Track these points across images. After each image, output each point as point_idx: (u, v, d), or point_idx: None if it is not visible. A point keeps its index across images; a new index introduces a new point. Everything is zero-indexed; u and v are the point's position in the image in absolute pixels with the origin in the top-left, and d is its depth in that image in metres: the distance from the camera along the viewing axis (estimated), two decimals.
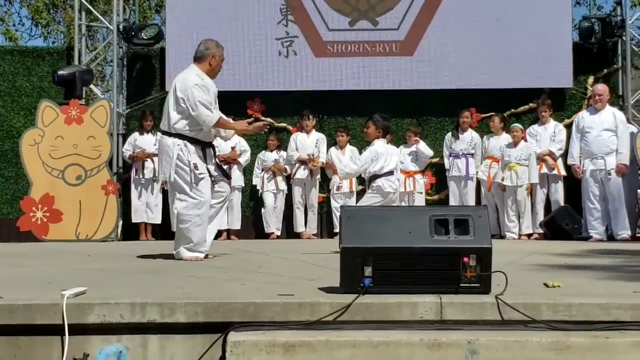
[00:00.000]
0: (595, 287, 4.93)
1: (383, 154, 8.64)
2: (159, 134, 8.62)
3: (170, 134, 7.35)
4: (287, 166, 12.37)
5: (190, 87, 7.30)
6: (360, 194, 12.34)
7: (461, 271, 4.33)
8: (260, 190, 12.34)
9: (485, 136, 12.27)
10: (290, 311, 4.17)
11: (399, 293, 4.28)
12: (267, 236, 12.25)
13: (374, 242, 4.37)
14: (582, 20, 13.04)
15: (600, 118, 10.96)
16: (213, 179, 7.50)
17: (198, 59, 7.57)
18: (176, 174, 7.29)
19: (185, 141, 7.30)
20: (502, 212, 11.79)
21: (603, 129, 10.91)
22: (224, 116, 7.64)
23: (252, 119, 11.91)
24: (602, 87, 11.24)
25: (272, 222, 12.30)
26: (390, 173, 8.67)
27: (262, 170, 12.38)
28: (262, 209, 12.33)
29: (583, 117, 11.15)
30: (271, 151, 12.44)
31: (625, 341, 3.92)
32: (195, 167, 7.29)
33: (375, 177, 8.62)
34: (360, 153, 12.20)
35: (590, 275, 5.75)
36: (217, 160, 7.82)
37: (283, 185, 12.39)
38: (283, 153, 12.44)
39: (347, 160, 12.12)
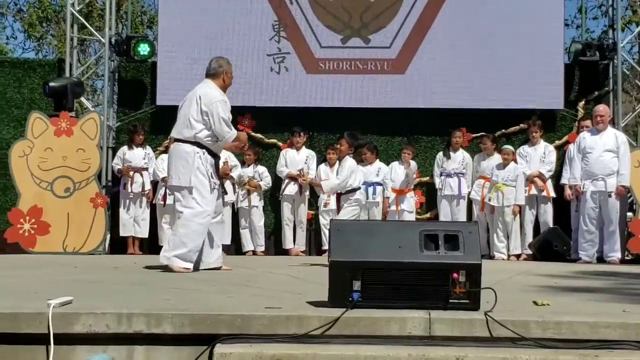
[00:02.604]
0: (585, 306, 4.92)
1: (354, 168, 9.10)
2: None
3: (190, 142, 7.65)
4: (261, 182, 12.30)
5: (215, 102, 7.68)
6: None
7: (450, 287, 4.31)
8: (236, 206, 12.28)
9: (476, 156, 12.27)
10: (277, 324, 4.14)
11: (387, 308, 4.26)
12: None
13: (363, 256, 4.36)
14: (574, 42, 13.07)
15: (602, 139, 10.94)
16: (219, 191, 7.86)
17: (212, 75, 7.96)
18: (195, 181, 7.58)
19: (204, 150, 7.66)
20: (491, 232, 11.79)
21: (605, 149, 10.88)
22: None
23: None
24: (603, 108, 11.23)
25: (248, 240, 12.26)
26: (358, 188, 9.14)
27: (238, 186, 12.31)
28: (240, 227, 12.28)
29: (584, 137, 11.11)
30: (248, 166, 12.37)
31: None
32: (212, 176, 7.66)
33: (350, 191, 9.01)
34: None
35: (579, 295, 5.74)
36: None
37: (257, 202, 12.32)
38: (259, 168, 12.38)
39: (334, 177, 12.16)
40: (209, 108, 7.64)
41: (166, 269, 7.49)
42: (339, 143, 9.40)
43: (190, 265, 7.46)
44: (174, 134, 7.89)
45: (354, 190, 9.09)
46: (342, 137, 9.40)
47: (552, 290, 6.07)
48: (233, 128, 7.87)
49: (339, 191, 9.24)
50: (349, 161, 9.12)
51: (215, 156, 7.83)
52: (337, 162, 12.22)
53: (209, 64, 8.07)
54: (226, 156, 12.09)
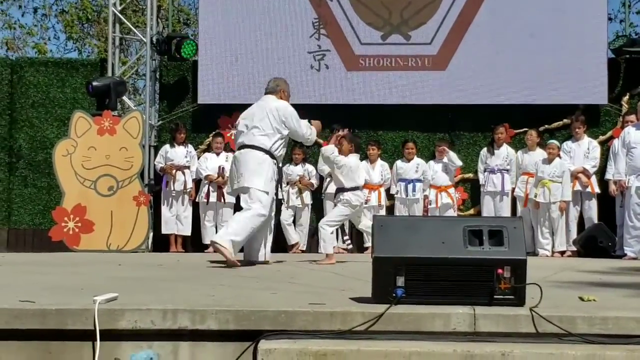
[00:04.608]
0: (632, 302, 4.86)
1: (353, 168, 9.10)
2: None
3: (265, 151, 8.20)
4: (312, 180, 12.34)
5: (290, 110, 8.41)
6: (389, 208, 12.33)
7: (495, 283, 4.28)
8: (285, 205, 12.30)
9: (519, 152, 12.17)
10: (321, 320, 4.14)
11: (431, 304, 4.24)
12: (289, 249, 12.20)
13: (407, 252, 4.34)
14: (617, 36, 12.91)
15: None
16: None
17: (271, 92, 8.62)
18: (270, 188, 8.14)
19: (275, 161, 8.29)
20: (536, 229, 11.68)
21: None
22: None
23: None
24: None
25: (293, 234, 12.26)
26: (357, 188, 9.10)
27: (287, 184, 12.33)
28: (284, 222, 12.28)
29: (629, 132, 11.00)
30: (296, 165, 12.40)
31: None
32: (276, 186, 8.31)
33: (342, 190, 9.03)
34: (391, 168, 12.28)
35: (625, 290, 5.67)
36: None
37: (309, 200, 12.37)
38: (308, 166, 12.40)
39: (377, 174, 12.13)
40: (287, 118, 8.31)
41: (214, 246, 8.01)
42: (340, 143, 9.42)
43: (232, 252, 7.85)
44: (245, 141, 8.33)
45: (353, 189, 9.05)
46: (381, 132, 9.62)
47: (597, 286, 6.00)
48: (310, 128, 8.58)
49: (326, 156, 9.22)
50: (348, 158, 9.15)
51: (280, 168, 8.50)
52: (378, 159, 12.27)
53: (268, 83, 8.81)
54: None
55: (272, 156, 8.25)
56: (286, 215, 12.24)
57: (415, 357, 3.90)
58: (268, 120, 8.28)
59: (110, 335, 4.11)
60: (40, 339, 4.14)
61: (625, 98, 12.49)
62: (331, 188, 12.07)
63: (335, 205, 9.30)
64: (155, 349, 4.15)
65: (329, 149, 9.08)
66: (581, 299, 4.76)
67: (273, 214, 8.44)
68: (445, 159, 12.13)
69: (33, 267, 7.69)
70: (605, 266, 8.53)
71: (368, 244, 11.26)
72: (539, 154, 11.80)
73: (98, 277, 6.46)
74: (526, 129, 12.25)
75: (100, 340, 4.05)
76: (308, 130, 8.52)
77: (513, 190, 12.03)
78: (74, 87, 13.20)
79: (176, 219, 12.29)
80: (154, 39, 13.02)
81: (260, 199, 8.06)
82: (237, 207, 12.21)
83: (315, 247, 12.47)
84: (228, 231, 7.98)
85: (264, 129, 8.26)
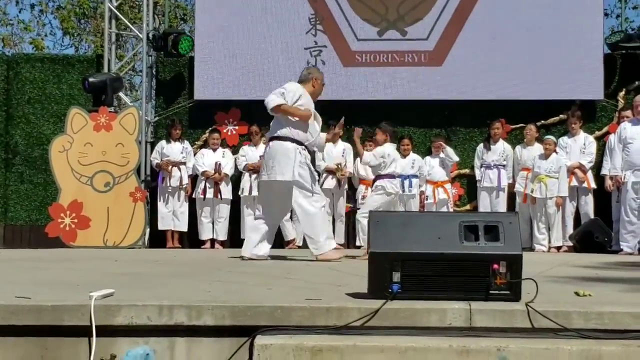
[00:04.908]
0: (627, 297, 4.87)
1: (391, 155, 9.27)
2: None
3: (289, 139, 8.20)
4: None
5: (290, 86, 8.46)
6: None
7: (491, 278, 4.28)
8: None
9: (517, 147, 12.18)
10: (317, 316, 4.14)
11: (427, 299, 4.24)
12: (286, 245, 12.20)
13: (403, 247, 4.33)
14: (613, 32, 12.92)
15: None
16: None
17: (302, 81, 8.62)
18: (299, 174, 8.08)
19: (303, 147, 8.25)
20: (533, 224, 11.69)
21: None
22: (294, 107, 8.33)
23: None
24: None
25: (290, 230, 12.25)
26: (392, 176, 9.25)
27: None
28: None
29: (625, 127, 11.01)
30: None
31: None
32: (311, 169, 8.27)
33: (378, 177, 9.22)
34: None
35: (621, 285, 5.68)
36: None
37: None
38: None
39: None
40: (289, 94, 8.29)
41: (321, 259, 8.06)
42: (375, 133, 9.70)
43: (333, 245, 8.26)
44: (271, 132, 8.46)
45: (388, 176, 9.13)
46: (378, 128, 9.74)
47: (593, 281, 6.01)
48: (275, 102, 8.24)
49: (372, 165, 9.42)
50: (385, 146, 9.34)
51: (311, 153, 8.55)
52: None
53: (301, 72, 8.90)
54: (263, 150, 12.17)
55: (299, 142, 8.24)
56: None
57: (411, 352, 3.90)
58: None
59: (107, 331, 4.11)
60: (36, 335, 4.14)
61: (621, 93, 12.51)
62: (327, 184, 12.12)
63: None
64: (152, 344, 4.15)
65: (366, 158, 9.34)
66: (577, 294, 4.77)
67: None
68: (442, 155, 12.14)
69: (29, 264, 7.69)
70: (601, 261, 8.53)
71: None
72: (538, 148, 11.81)
73: (94, 273, 6.46)
74: (522, 125, 12.27)
75: (97, 336, 4.05)
76: (270, 97, 8.38)
77: (509, 185, 12.05)
78: (70, 84, 13.20)
79: (172, 215, 12.29)
80: (150, 35, 13.03)
81: (302, 186, 8.12)
82: (234, 204, 12.28)
83: None
84: (313, 240, 8.14)
85: (283, 118, 8.30)
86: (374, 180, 9.35)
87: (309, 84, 8.55)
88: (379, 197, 9.10)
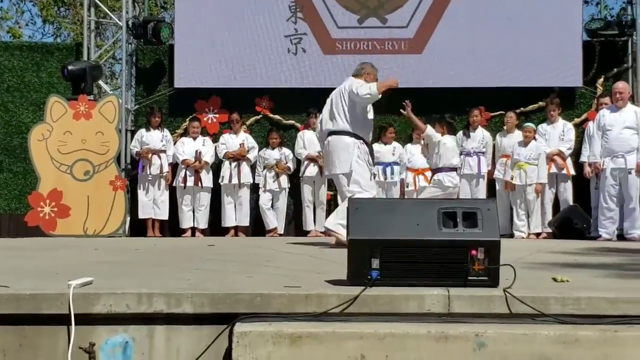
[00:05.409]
0: (605, 283, 4.91)
1: (449, 147, 9.65)
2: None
3: (348, 134, 8.37)
4: (289, 164, 12.33)
5: (356, 82, 8.48)
6: None
7: (469, 264, 4.31)
8: (263, 189, 12.29)
9: (497, 135, 12.21)
10: (297, 303, 4.16)
11: (406, 286, 4.27)
12: (267, 233, 12.21)
13: (382, 234, 4.35)
14: (592, 19, 12.96)
15: (622, 116, 10.87)
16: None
17: (355, 75, 8.72)
18: (355, 168, 8.28)
19: (361, 141, 8.40)
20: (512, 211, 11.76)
21: (624, 126, 10.81)
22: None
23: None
24: (622, 85, 11.15)
25: (272, 219, 12.25)
26: (451, 169, 9.53)
27: (264, 169, 12.32)
28: (263, 206, 12.27)
29: (604, 114, 11.04)
30: (273, 149, 12.37)
31: (634, 335, 3.90)
32: (369, 163, 8.44)
33: (437, 170, 9.49)
34: None
35: (599, 271, 5.73)
36: None
37: (286, 184, 12.36)
38: (285, 150, 12.38)
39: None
40: (350, 89, 8.40)
41: (327, 232, 8.43)
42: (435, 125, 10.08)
43: (344, 235, 8.12)
44: (329, 127, 8.56)
45: (447, 169, 9.25)
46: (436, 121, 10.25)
47: (571, 267, 6.05)
48: (373, 86, 8.34)
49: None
50: (444, 138, 9.67)
51: (369, 145, 8.58)
52: None
53: (356, 66, 9.01)
54: (244, 138, 12.18)
55: (357, 137, 8.39)
56: (264, 200, 12.24)
57: (389, 338, 3.92)
58: (342, 100, 8.50)
59: (85, 319, 4.11)
60: (14, 324, 4.13)
61: (600, 80, 12.56)
62: (309, 171, 12.14)
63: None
64: (131, 332, 4.16)
65: (429, 131, 9.63)
66: (554, 279, 4.80)
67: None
68: (422, 141, 12.14)
69: (8, 252, 7.66)
70: (579, 247, 8.58)
71: None
72: (517, 136, 11.85)
73: (74, 262, 6.44)
74: (502, 112, 12.31)
75: (75, 324, 4.05)
76: (365, 90, 8.39)
77: (489, 172, 12.08)
78: (49, 72, 13.11)
79: (153, 204, 12.25)
80: (130, 23, 12.95)
81: (354, 182, 8.29)
82: (214, 192, 12.27)
83: (292, 231, 12.52)
84: (338, 217, 8.24)
85: (343, 112, 8.45)
86: (433, 173, 9.57)
87: (362, 79, 8.62)
88: (435, 190, 9.29)
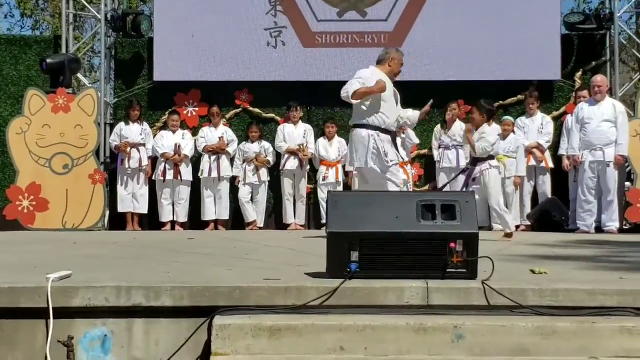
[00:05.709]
0: (582, 274, 4.95)
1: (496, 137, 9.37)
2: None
3: (364, 126, 8.29)
4: (269, 157, 12.31)
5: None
6: (346, 185, 12.30)
7: (448, 256, 4.33)
8: (242, 182, 12.26)
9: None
10: (276, 295, 4.16)
11: (385, 278, 4.28)
12: (247, 226, 12.19)
13: (361, 226, 4.37)
14: (571, 12, 13.01)
15: (600, 109, 10.92)
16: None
17: (379, 61, 8.68)
18: (373, 162, 8.22)
19: (378, 132, 8.26)
20: None
21: (602, 119, 10.86)
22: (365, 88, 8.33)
23: None
24: (600, 78, 11.20)
25: (251, 212, 12.24)
26: (492, 157, 9.26)
27: (244, 162, 12.30)
28: (242, 199, 12.24)
29: (582, 107, 11.09)
30: (252, 142, 12.35)
31: (611, 326, 3.94)
32: (386, 154, 8.24)
33: (477, 160, 9.23)
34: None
35: (577, 263, 5.77)
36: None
37: (265, 177, 12.34)
38: (264, 144, 12.35)
39: (334, 151, 12.14)
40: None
41: None
42: (471, 111, 9.66)
43: None
44: (352, 120, 8.54)
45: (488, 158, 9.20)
46: (474, 105, 9.67)
47: (549, 259, 6.09)
48: (352, 89, 8.28)
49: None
50: (490, 128, 9.34)
51: (390, 132, 8.45)
52: (335, 135, 12.25)
53: (380, 52, 8.83)
54: (223, 131, 12.16)
55: (373, 127, 8.29)
56: (244, 193, 12.21)
57: (369, 330, 3.94)
58: None
59: (64, 312, 4.10)
60: None
61: (578, 74, 12.61)
62: (289, 165, 12.12)
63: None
64: (109, 326, 4.15)
65: (479, 149, 9.10)
66: (532, 271, 4.83)
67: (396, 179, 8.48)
68: (402, 135, 12.15)
69: None
70: (557, 239, 8.64)
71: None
72: (496, 129, 11.86)
73: (52, 256, 6.42)
74: None
75: (54, 318, 4.04)
76: (344, 89, 8.40)
77: None
78: (27, 65, 13.00)
79: (132, 197, 12.20)
80: (109, 16, 12.89)
81: (376, 175, 8.27)
82: (194, 185, 12.25)
83: (272, 224, 12.51)
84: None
85: (358, 104, 8.36)
86: (474, 163, 9.22)
87: (385, 64, 8.59)
88: (495, 183, 9.20)
